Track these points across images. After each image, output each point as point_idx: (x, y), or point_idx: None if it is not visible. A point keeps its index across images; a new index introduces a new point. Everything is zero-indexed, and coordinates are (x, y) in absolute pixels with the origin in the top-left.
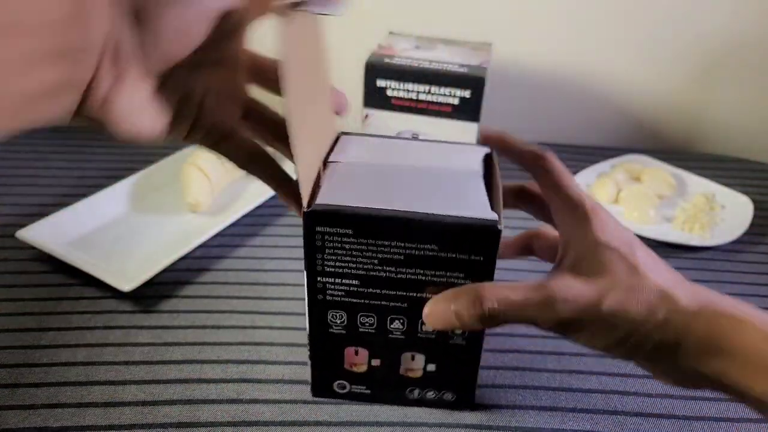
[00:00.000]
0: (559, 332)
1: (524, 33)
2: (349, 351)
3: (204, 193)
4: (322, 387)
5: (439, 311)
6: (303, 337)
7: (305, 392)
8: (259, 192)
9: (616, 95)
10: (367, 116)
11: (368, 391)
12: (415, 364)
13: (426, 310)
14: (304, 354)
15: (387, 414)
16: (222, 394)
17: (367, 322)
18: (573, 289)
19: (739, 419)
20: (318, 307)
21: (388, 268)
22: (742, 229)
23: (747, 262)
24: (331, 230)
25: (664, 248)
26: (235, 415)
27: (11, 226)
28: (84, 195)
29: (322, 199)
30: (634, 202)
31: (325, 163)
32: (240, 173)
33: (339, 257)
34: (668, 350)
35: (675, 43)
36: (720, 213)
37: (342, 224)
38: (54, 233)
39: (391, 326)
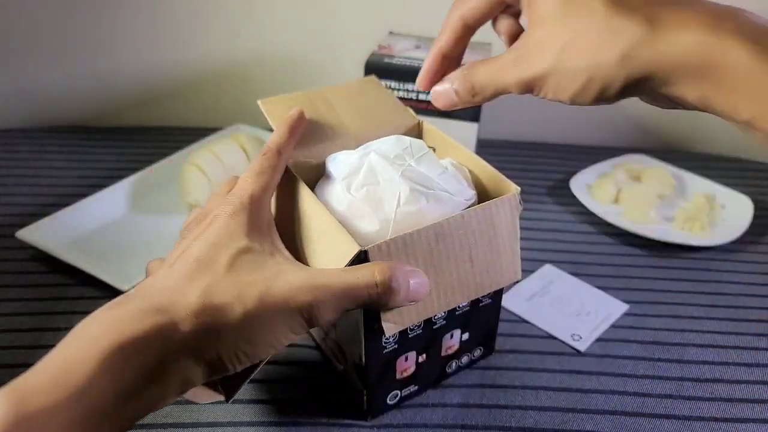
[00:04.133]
0: (527, 92)
1: None
2: (400, 360)
3: (203, 192)
4: (377, 408)
5: (443, 91)
6: (301, 337)
7: (305, 392)
8: None
9: None
10: None
11: (416, 388)
12: (453, 341)
13: (432, 93)
14: (303, 354)
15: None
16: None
17: (415, 326)
18: (531, 49)
19: (739, 419)
20: (374, 335)
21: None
22: (742, 229)
23: (747, 262)
24: None
25: (664, 248)
26: (235, 415)
27: (11, 226)
28: (84, 195)
29: None
30: (635, 202)
31: None
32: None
33: None
34: (637, 85)
35: None
36: (720, 213)
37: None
38: (54, 233)
39: (436, 317)
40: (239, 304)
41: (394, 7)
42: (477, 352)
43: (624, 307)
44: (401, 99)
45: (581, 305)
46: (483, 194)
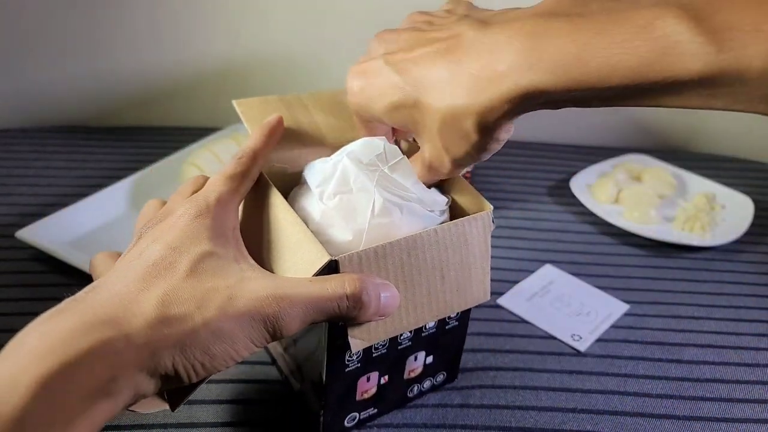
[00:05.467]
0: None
1: None
2: (362, 381)
3: None
4: (333, 431)
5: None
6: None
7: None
8: None
9: None
10: None
11: (375, 411)
12: (417, 363)
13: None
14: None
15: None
16: (222, 395)
17: (380, 345)
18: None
19: (739, 419)
20: (337, 351)
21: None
22: (743, 229)
23: (747, 262)
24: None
25: (664, 248)
26: (235, 416)
27: (11, 226)
28: (84, 195)
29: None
30: (635, 202)
31: None
32: None
33: None
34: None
35: None
36: (720, 213)
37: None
38: (54, 233)
39: (401, 337)
40: (199, 314)
41: (395, 8)
42: (440, 377)
43: (624, 307)
44: None
45: (581, 305)
46: (459, 211)
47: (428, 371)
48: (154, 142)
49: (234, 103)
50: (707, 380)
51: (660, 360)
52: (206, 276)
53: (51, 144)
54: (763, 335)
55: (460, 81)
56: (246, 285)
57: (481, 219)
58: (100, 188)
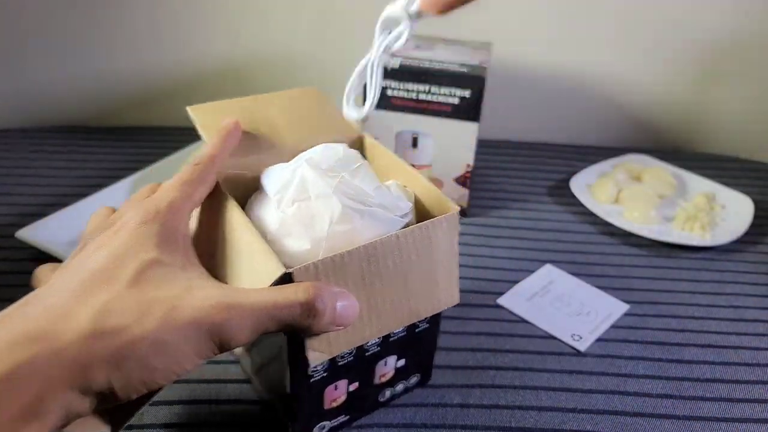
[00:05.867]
0: None
1: (524, 33)
2: (329, 389)
3: None
4: None
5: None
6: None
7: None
8: None
9: (616, 95)
10: (366, 117)
11: (347, 417)
12: (387, 368)
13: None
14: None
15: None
16: (221, 395)
17: (345, 354)
18: None
19: (739, 419)
20: (300, 362)
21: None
22: (743, 229)
23: (747, 262)
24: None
25: (664, 248)
26: (234, 416)
27: (11, 226)
28: (84, 195)
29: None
30: (635, 202)
31: None
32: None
33: None
34: None
35: (675, 42)
36: (720, 213)
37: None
38: (54, 233)
39: (368, 344)
40: (138, 325)
41: None
42: (413, 380)
43: (624, 307)
44: (401, 99)
45: (581, 305)
46: (425, 214)
47: (400, 375)
48: (154, 142)
49: (188, 109)
50: (707, 380)
51: (660, 360)
52: (150, 285)
53: (51, 144)
54: (763, 335)
55: None
56: (192, 294)
57: (447, 221)
58: (100, 188)
